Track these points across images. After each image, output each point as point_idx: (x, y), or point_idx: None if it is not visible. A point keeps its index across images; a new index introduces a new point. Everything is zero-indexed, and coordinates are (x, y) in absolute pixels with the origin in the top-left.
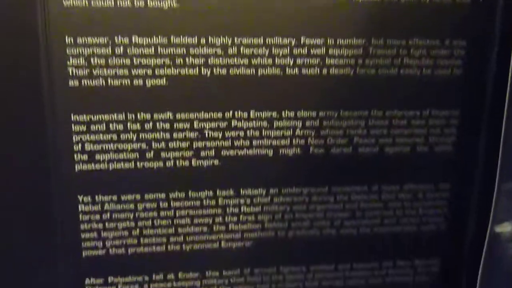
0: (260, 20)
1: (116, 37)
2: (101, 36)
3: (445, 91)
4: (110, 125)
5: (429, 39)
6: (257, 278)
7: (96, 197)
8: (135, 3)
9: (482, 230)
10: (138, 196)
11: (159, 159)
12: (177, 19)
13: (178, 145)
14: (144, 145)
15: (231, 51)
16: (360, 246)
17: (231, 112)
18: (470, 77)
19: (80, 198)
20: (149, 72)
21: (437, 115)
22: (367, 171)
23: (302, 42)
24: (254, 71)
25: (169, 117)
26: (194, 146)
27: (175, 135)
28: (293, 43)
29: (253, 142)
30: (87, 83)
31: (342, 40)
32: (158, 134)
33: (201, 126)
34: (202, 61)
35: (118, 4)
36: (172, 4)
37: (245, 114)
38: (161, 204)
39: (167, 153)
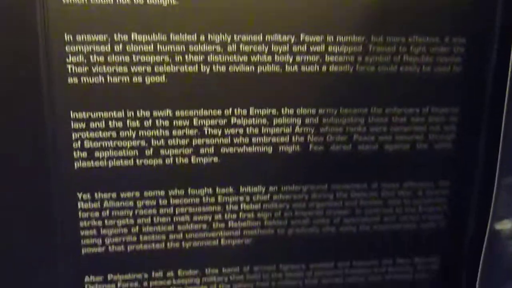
0: (260, 17)
1: (115, 35)
2: (100, 33)
3: (445, 89)
4: (109, 122)
5: (428, 37)
6: (256, 276)
7: (96, 194)
8: (134, 0)
9: (482, 228)
10: (137, 194)
11: (158, 156)
12: (177, 16)
13: (177, 143)
14: (143, 143)
15: (231, 48)
16: (359, 244)
17: (230, 109)
18: (469, 74)
19: (80, 195)
20: (149, 69)
21: (437, 112)
22: (366, 169)
23: (301, 39)
24: (253, 68)
25: (169, 114)
26: (193, 144)
27: (174, 132)
28: (292, 40)
29: (253, 140)
30: (86, 81)
31: (342, 37)
32: (157, 131)
33: (200, 123)
34: (201, 58)
35: (117, 1)
36: (171, 1)
37: (245, 111)
38: (160, 201)
39: (167, 151)
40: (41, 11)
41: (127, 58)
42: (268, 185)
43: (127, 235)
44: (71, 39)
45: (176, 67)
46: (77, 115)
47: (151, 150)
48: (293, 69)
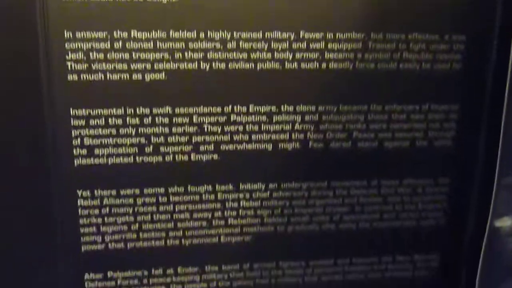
0: (259, 15)
1: (115, 32)
2: (100, 30)
3: (445, 86)
4: (109, 119)
5: (428, 34)
6: (256, 273)
7: (95, 191)
8: None
9: (481, 225)
10: (137, 191)
11: (158, 153)
12: (176, 14)
13: (177, 140)
14: (143, 140)
15: (230, 46)
16: (359, 241)
17: (230, 106)
18: (469, 71)
19: (79, 192)
20: (148, 66)
21: (437, 109)
22: (366, 166)
23: (301, 36)
24: (253, 66)
25: (168, 111)
26: (193, 141)
27: (174, 129)
28: (292, 37)
29: (252, 137)
30: (86, 78)
31: (341, 34)
32: (157, 128)
33: (200, 120)
34: (201, 55)
35: None
36: None
37: (244, 109)
38: (160, 198)
39: (166, 148)
40: (41, 8)
41: (126, 55)
42: (268, 182)
43: (127, 232)
44: (71, 36)
45: (176, 64)
46: (77, 112)
47: (151, 147)
48: (293, 66)
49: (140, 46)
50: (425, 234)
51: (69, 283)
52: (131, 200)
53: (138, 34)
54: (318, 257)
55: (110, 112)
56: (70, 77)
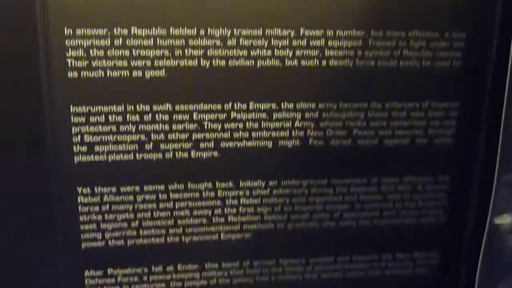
0: (259, 12)
1: (115, 29)
2: (100, 27)
3: (445, 83)
4: (109, 116)
5: (428, 31)
6: (256, 270)
7: (95, 188)
8: None
9: (481, 222)
10: (137, 188)
11: (158, 150)
12: (176, 11)
13: (177, 137)
14: (143, 137)
15: (230, 43)
16: (359, 239)
17: (230, 103)
18: (469, 69)
19: (79, 189)
20: (148, 63)
21: (437, 107)
22: (366, 163)
23: (301, 33)
24: (253, 63)
25: (168, 108)
26: (193, 138)
27: (174, 126)
28: (292, 34)
29: (252, 134)
30: (86, 75)
31: (342, 32)
32: (157, 125)
33: (200, 117)
34: (201, 52)
35: None
36: None
37: (244, 106)
38: (160, 195)
39: (166, 145)
40: (41, 5)
41: (127, 52)
42: (268, 180)
43: (127, 229)
44: (71, 33)
45: (176, 61)
46: (77, 109)
47: (151, 144)
48: (293, 63)
49: (140, 43)
50: (425, 232)
51: (69, 280)
52: (131, 197)
53: (138, 31)
54: (318, 254)
55: (110, 109)
56: (70, 74)
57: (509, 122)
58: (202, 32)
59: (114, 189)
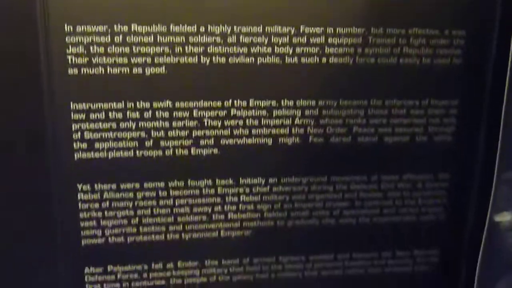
0: (260, 9)
1: (115, 26)
2: (100, 24)
3: (445, 81)
4: (109, 113)
5: (428, 29)
6: (256, 268)
7: (96, 185)
8: None
9: (481, 220)
10: (137, 185)
11: (158, 147)
12: (177, 8)
13: (177, 134)
14: (143, 134)
15: (230, 40)
16: (359, 236)
17: (230, 101)
18: (469, 66)
19: (79, 186)
20: (149, 60)
21: (437, 104)
22: (366, 161)
23: (301, 31)
24: (253, 60)
25: (168, 105)
26: (193, 135)
27: (174, 123)
28: (292, 32)
29: (252, 131)
30: (86, 72)
31: (342, 29)
32: (157, 122)
33: (200, 114)
34: (201, 49)
35: None
36: None
37: (244, 103)
38: (160, 193)
39: (166, 142)
40: (41, 2)
41: (127, 49)
42: (267, 177)
43: (127, 226)
44: (71, 30)
45: (176, 58)
46: (77, 106)
47: (151, 141)
48: (293, 60)
49: (141, 40)
50: (425, 229)
51: (69, 277)
52: (131, 194)
53: (139, 28)
54: (318, 252)
55: (110, 106)
56: (70, 71)
57: (509, 120)
58: (202, 29)
59: (114, 186)
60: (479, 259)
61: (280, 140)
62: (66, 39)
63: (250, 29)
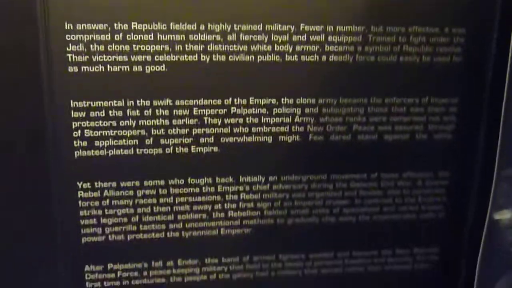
0: (260, 7)
1: (115, 24)
2: (100, 22)
3: (445, 79)
4: (110, 111)
5: (428, 27)
6: (256, 266)
7: (96, 183)
8: None
9: (481, 218)
10: (137, 183)
11: (158, 145)
12: (177, 6)
13: (177, 132)
14: (143, 132)
15: (230, 38)
16: (359, 234)
17: (230, 99)
18: (469, 64)
19: (80, 184)
20: (149, 58)
21: (437, 102)
22: (366, 159)
23: (301, 29)
24: (253, 58)
25: (168, 103)
26: (193, 133)
27: (174, 121)
28: (292, 30)
29: (252, 129)
30: (87, 70)
31: (342, 27)
32: (157, 120)
33: (200, 112)
34: (201, 47)
35: None
36: None
37: (244, 101)
38: (160, 191)
39: (166, 140)
40: (41, 0)
41: (127, 47)
42: (267, 175)
43: (127, 224)
44: (71, 28)
45: (176, 56)
46: (77, 104)
47: (151, 139)
48: (293, 58)
49: (141, 38)
50: (425, 227)
51: (69, 275)
52: (131, 192)
53: (139, 26)
54: (318, 250)
55: (111, 104)
56: (70, 69)
57: (509, 117)
58: (202, 27)
59: (114, 184)
60: (479, 257)
61: (280, 138)
62: (66, 37)
63: (250, 27)
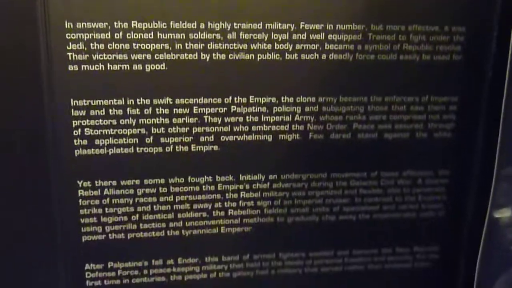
0: (260, 5)
1: (115, 22)
2: (100, 21)
3: (445, 77)
4: (110, 110)
5: (428, 25)
6: (256, 264)
7: (96, 182)
8: None
9: (481, 216)
10: (137, 181)
11: (158, 144)
12: (177, 4)
13: (177, 131)
14: (143, 130)
15: (230, 36)
16: (359, 232)
17: (230, 97)
18: (469, 63)
19: (80, 183)
20: (149, 57)
21: (436, 101)
22: (366, 157)
23: (301, 27)
24: (253, 57)
25: (169, 102)
26: (193, 132)
27: (174, 120)
28: (292, 28)
29: (252, 128)
30: (87, 68)
31: (341, 26)
32: (157, 119)
33: (200, 111)
34: (201, 46)
35: None
36: None
37: (244, 100)
38: (160, 189)
39: (167, 139)
40: None
41: (127, 46)
42: (268, 174)
43: (127, 223)
44: (71, 26)
45: (176, 55)
46: (77, 103)
47: (151, 138)
48: (293, 57)
49: (141, 36)
50: (425, 226)
51: (69, 274)
52: (131, 191)
53: (139, 24)
54: (318, 248)
55: (111, 103)
56: (70, 67)
57: (509, 116)
58: (202, 25)
59: (114, 183)
60: (479, 255)
61: (280, 137)
62: (66, 36)
63: (250, 26)
